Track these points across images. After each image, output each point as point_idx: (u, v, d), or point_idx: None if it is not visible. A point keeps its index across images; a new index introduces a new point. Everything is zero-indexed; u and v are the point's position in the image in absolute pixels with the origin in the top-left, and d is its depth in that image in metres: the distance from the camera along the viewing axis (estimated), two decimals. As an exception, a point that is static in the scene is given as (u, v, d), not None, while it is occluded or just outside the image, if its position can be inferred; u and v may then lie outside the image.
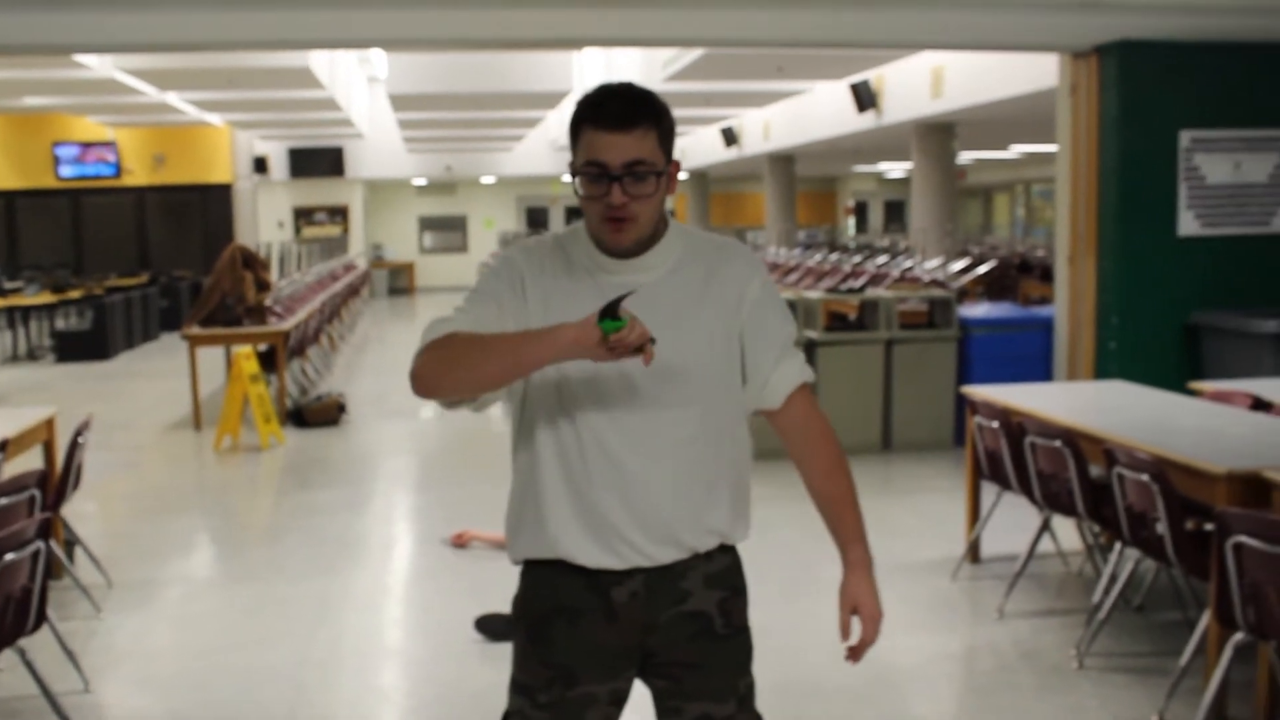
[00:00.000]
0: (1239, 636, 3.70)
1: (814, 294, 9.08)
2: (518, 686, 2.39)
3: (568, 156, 2.34)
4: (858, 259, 16.59)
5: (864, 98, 14.97)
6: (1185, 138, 7.87)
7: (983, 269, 13.26)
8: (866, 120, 15.38)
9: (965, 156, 23.98)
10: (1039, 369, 8.61)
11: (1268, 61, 7.91)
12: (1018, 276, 16.57)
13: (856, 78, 14.98)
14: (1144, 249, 7.89)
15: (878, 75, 14.79)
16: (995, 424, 5.29)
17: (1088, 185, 8.10)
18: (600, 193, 2.22)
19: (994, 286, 15.49)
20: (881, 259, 15.93)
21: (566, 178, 2.32)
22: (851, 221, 33.99)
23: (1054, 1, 7.41)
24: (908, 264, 14.15)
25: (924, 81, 13.61)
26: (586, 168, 2.23)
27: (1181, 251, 7.92)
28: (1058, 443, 4.78)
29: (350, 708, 4.53)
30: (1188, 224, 7.91)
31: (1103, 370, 7.95)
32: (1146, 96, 7.84)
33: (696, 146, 25.03)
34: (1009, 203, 33.50)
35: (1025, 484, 5.16)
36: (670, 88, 14.63)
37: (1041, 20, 7.61)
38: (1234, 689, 4.13)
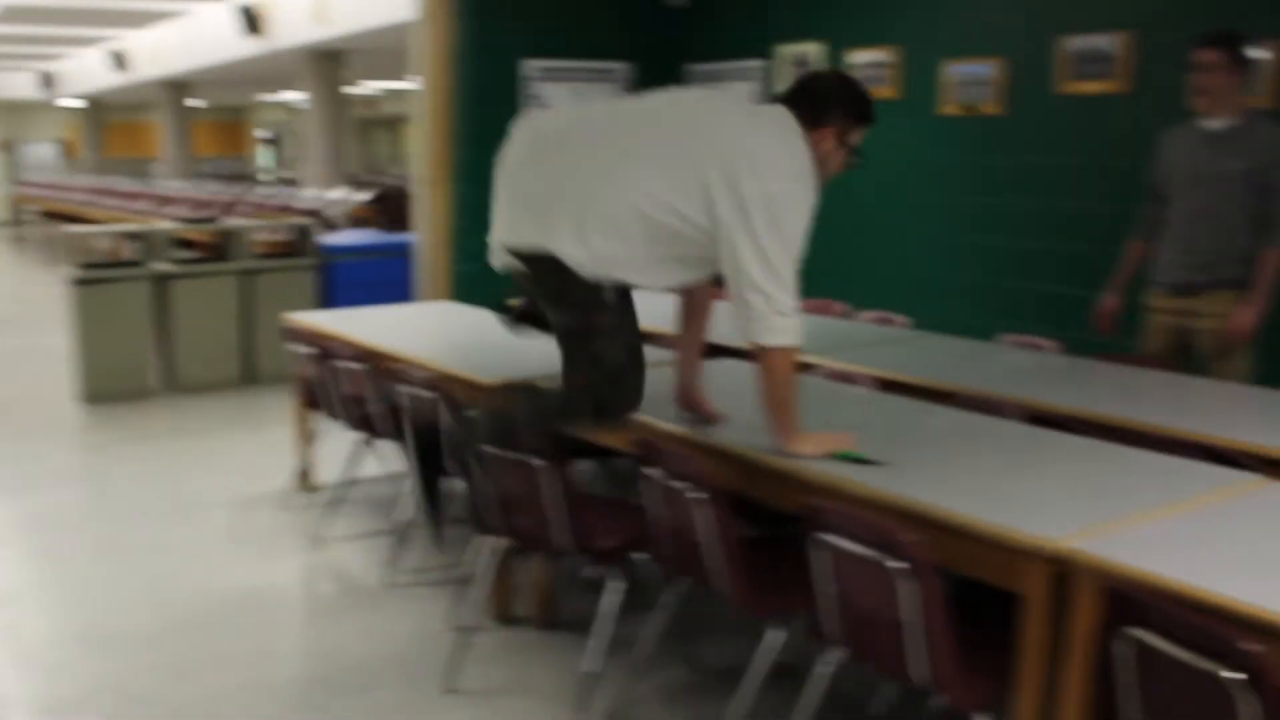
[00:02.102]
0: (501, 542, 3.83)
1: (165, 224, 8.58)
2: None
3: None
4: (258, 191, 16.06)
5: (250, 20, 14.42)
6: (529, 67, 8.15)
7: (362, 196, 13.21)
8: (255, 45, 14.84)
9: (374, 86, 23.85)
10: (403, 294, 8.67)
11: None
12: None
13: (243, -1, 14.42)
14: (492, 173, 8.09)
15: (264, -2, 14.30)
16: (312, 350, 5.20)
17: (443, 112, 8.19)
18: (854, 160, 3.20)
19: (395, 215, 15.50)
20: (283, 190, 15.51)
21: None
22: (266, 153, 32.97)
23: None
24: (308, 194, 13.87)
25: (308, 5, 13.29)
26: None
27: (527, 177, 8.21)
28: (360, 365, 4.76)
29: None
30: (533, 150, 8.21)
31: (459, 293, 8.12)
32: (493, 26, 8.03)
33: (82, 71, 23.15)
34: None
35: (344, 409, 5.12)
36: (42, 2, 13.33)
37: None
38: (522, 591, 4.31)
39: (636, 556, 3.50)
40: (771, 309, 3.04)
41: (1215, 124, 4.63)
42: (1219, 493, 2.80)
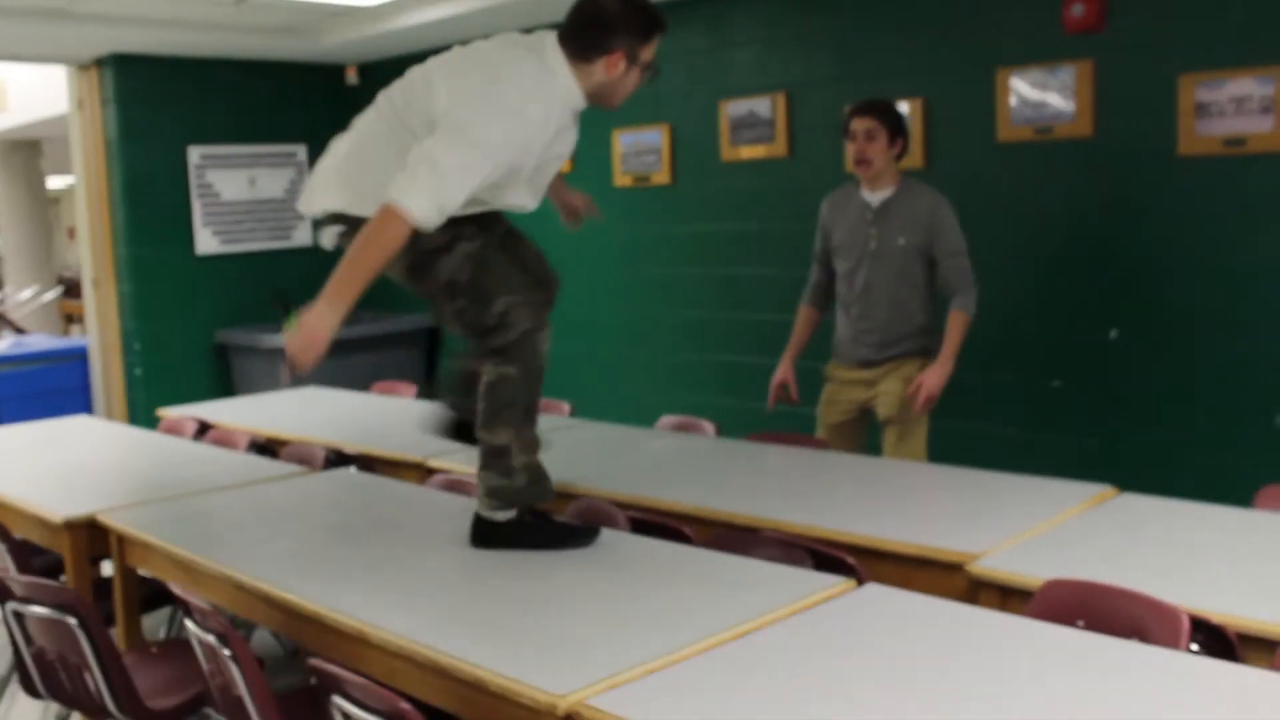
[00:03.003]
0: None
1: None
2: None
3: None
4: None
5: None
6: (195, 154, 7.64)
7: (50, 296, 12.37)
8: (-59, 137, 13.84)
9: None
10: (82, 403, 8.00)
11: (273, 78, 7.91)
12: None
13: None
14: (163, 270, 7.56)
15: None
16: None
17: (102, 205, 7.61)
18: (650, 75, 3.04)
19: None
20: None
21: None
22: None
23: (33, 8, 6.75)
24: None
25: (-9, 94, 12.44)
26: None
27: (202, 270, 7.70)
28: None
29: None
30: (206, 242, 7.69)
31: (133, 399, 7.53)
32: (149, 112, 7.51)
33: None
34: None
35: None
36: None
37: (27, 29, 6.93)
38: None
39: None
40: (426, 174, 2.74)
41: (876, 197, 4.44)
42: (794, 606, 2.53)
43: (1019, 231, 5.12)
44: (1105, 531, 3.03)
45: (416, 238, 2.82)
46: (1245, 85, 4.46)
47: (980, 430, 5.24)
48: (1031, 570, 2.68)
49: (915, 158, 5.28)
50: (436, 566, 2.97)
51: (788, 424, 5.21)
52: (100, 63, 7.48)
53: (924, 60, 5.35)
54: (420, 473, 4.19)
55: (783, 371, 4.76)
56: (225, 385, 7.62)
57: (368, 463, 4.39)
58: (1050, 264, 5.06)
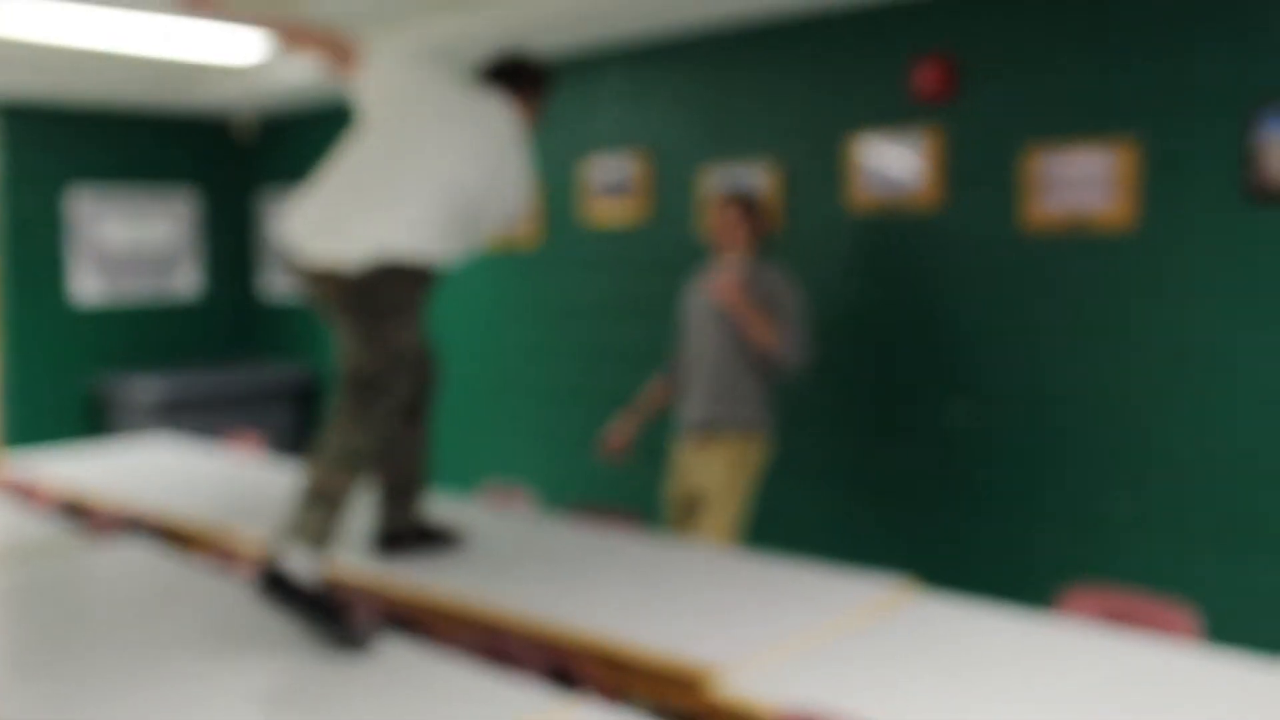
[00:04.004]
0: None
1: None
2: None
3: None
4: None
5: None
6: (77, 198, 7.44)
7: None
8: None
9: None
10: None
11: (160, 126, 7.74)
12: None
13: None
14: (37, 315, 7.35)
15: None
16: None
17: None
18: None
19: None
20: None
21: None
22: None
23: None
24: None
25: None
26: None
27: (79, 317, 7.49)
28: None
29: None
30: (85, 287, 7.48)
31: (12, 436, 7.30)
32: (30, 152, 7.31)
33: None
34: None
35: None
36: None
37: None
38: None
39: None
40: None
41: (728, 260, 4.45)
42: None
43: (863, 304, 4.97)
44: (880, 641, 2.80)
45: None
46: (1089, 158, 4.32)
47: (825, 501, 5.08)
48: (775, 692, 2.45)
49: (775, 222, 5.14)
50: (123, 678, 2.69)
51: (642, 496, 5.05)
52: (-21, 104, 7.30)
53: (779, 123, 5.20)
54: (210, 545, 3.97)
55: (620, 427, 4.70)
56: (98, 438, 7.38)
57: (163, 533, 4.17)
58: (892, 340, 4.90)
